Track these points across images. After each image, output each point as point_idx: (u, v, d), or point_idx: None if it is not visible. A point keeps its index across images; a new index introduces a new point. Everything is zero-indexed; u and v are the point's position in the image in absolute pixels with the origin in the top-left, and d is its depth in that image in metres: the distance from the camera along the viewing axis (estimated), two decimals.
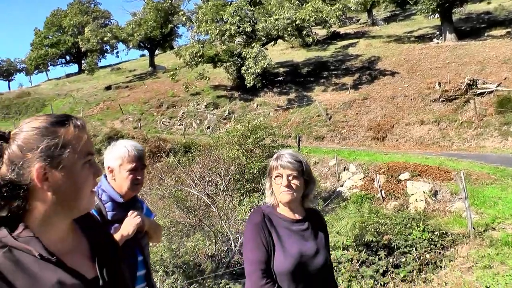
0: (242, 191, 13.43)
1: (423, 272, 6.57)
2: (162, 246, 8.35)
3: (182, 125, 29.83)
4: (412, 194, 13.62)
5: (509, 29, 30.27)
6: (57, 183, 1.25)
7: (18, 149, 1.22)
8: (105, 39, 44.52)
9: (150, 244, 3.04)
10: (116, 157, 2.64)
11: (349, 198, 14.72)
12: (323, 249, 2.52)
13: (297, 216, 2.55)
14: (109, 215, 2.61)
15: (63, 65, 65.22)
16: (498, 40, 28.83)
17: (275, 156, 2.60)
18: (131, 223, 2.58)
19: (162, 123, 30.95)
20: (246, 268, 2.45)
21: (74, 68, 68.05)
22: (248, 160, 14.07)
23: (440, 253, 7.20)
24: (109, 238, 1.55)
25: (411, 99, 24.29)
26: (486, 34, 30.84)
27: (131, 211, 2.65)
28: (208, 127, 28.80)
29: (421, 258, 7.00)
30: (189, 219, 10.73)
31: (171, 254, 8.47)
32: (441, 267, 6.58)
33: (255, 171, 13.59)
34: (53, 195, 1.25)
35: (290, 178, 2.47)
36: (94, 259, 1.39)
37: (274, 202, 2.58)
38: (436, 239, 7.69)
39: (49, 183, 1.23)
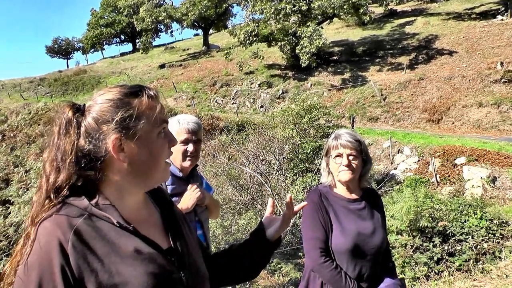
0: (295, 171, 13.49)
1: (480, 262, 6.43)
2: (215, 223, 8.34)
3: (236, 103, 30.01)
4: (469, 180, 13.29)
5: None
6: (133, 154, 1.27)
7: (94, 122, 1.25)
8: (160, 18, 44.85)
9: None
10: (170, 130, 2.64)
11: (403, 181, 14.56)
12: (380, 229, 2.53)
13: (354, 196, 2.58)
14: (169, 188, 2.62)
15: (118, 44, 66.16)
16: None
17: (333, 135, 2.60)
18: (190, 196, 2.59)
19: (216, 101, 31.24)
20: (305, 246, 2.50)
21: (128, 47, 68.93)
22: (302, 139, 14.12)
23: (499, 243, 6.91)
24: (178, 212, 1.57)
25: (469, 80, 23.42)
26: None
27: (190, 185, 2.66)
28: (262, 106, 28.89)
29: (478, 247, 6.76)
30: (242, 197, 10.75)
31: (223, 231, 8.55)
32: (500, 258, 6.35)
33: (309, 151, 13.60)
34: (129, 166, 1.28)
35: (351, 157, 2.49)
36: (166, 230, 1.42)
37: (331, 182, 2.62)
38: (495, 228, 7.40)
39: (124, 154, 1.26)
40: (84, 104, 1.31)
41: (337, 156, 2.53)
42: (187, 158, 2.69)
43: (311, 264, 2.47)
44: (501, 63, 23.19)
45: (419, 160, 15.75)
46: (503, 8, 32.02)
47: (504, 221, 7.77)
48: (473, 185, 12.86)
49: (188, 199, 2.59)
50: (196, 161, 2.78)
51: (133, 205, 1.35)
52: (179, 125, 2.68)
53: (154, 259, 1.25)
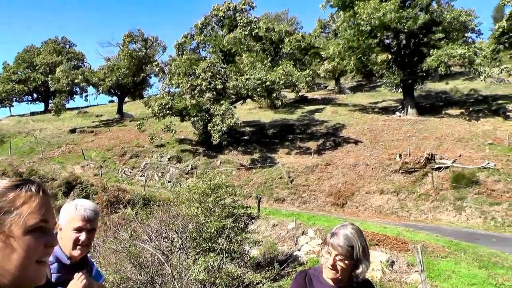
0: (197, 250, 13.13)
1: None
2: None
3: (144, 176, 29.34)
4: None
5: (462, 110, 32.31)
6: None
7: None
8: (76, 81, 44.44)
9: None
10: (65, 214, 2.54)
11: (306, 263, 14.56)
12: None
13: (339, 284, 2.57)
14: (54, 277, 2.45)
15: (29, 102, 63.69)
16: (453, 118, 30.67)
17: (333, 230, 2.58)
18: (76, 286, 2.42)
19: (124, 172, 30.42)
20: None
21: (40, 106, 66.45)
22: (206, 218, 13.85)
23: None
24: None
25: (372, 168, 24.80)
26: (443, 112, 32.61)
27: (77, 273, 2.48)
28: (170, 181, 28.46)
29: None
30: (141, 276, 10.34)
31: None
32: None
33: (213, 230, 13.34)
34: None
35: (337, 258, 2.47)
36: None
37: (323, 267, 2.60)
38: None
39: None
40: None
41: (327, 252, 2.53)
42: (78, 247, 2.55)
43: None
44: (400, 155, 24.90)
45: (322, 242, 15.88)
46: (400, 106, 35.21)
47: None
48: (373, 269, 13.09)
49: None
50: (88, 250, 2.64)
51: None
52: (76, 211, 2.55)
53: None
